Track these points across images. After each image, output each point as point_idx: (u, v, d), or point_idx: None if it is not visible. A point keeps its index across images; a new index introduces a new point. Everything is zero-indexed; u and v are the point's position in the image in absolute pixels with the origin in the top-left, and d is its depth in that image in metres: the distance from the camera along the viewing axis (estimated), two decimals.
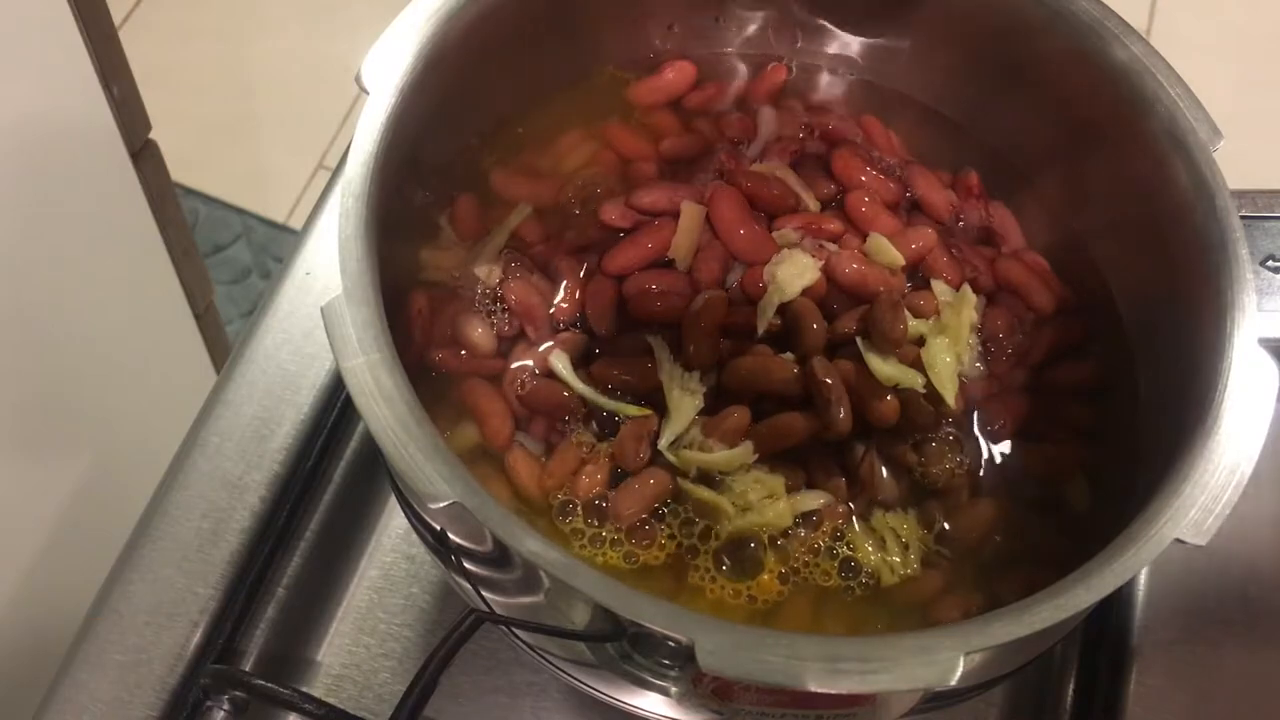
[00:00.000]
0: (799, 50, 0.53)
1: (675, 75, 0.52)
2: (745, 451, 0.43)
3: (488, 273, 0.46)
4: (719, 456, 0.42)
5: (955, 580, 0.42)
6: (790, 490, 0.43)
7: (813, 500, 0.43)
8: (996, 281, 0.48)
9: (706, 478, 0.43)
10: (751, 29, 0.53)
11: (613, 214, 0.48)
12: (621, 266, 0.46)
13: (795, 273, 0.45)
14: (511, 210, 0.48)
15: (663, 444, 0.43)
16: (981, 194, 0.50)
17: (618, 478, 0.43)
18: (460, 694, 0.50)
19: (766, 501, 0.42)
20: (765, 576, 0.42)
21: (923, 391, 0.43)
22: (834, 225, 0.47)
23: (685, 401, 0.43)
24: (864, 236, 0.47)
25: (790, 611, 0.42)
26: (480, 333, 0.45)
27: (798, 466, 0.43)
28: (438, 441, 0.35)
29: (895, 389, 0.43)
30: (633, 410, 0.43)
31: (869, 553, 0.42)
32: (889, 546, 0.42)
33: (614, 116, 0.51)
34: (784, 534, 0.42)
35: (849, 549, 0.42)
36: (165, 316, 0.91)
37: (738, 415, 0.43)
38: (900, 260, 0.46)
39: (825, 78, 0.53)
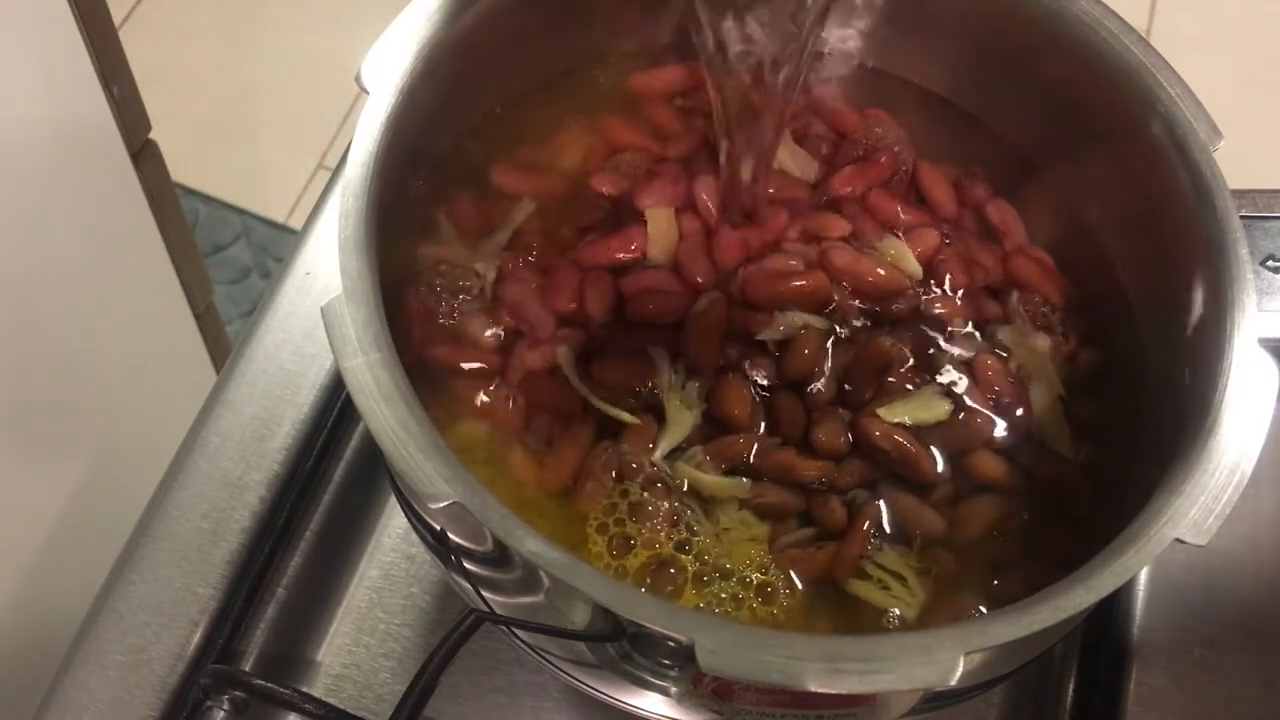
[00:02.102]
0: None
1: (678, 72, 0.52)
2: (740, 485, 0.43)
3: (487, 270, 0.46)
4: (715, 480, 0.42)
5: (957, 586, 0.43)
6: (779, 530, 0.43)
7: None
8: (1006, 279, 0.48)
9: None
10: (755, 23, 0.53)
11: (604, 184, 0.48)
12: (592, 261, 0.47)
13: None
14: (513, 205, 0.48)
15: (658, 455, 0.43)
16: (984, 190, 0.50)
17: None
18: (460, 694, 0.50)
19: (747, 544, 0.42)
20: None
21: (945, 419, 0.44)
22: (836, 228, 0.48)
23: (683, 415, 0.43)
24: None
25: None
26: (481, 330, 0.45)
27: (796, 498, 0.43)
28: (438, 441, 0.35)
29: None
30: (628, 418, 0.44)
31: (876, 595, 0.42)
32: (890, 584, 0.42)
33: (614, 110, 0.51)
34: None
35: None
36: (165, 316, 0.91)
37: (742, 442, 0.43)
38: (919, 272, 0.47)
39: (831, 64, 0.53)
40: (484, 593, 0.41)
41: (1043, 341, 0.47)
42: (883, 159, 0.50)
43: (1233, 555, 0.52)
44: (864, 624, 0.42)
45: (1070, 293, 0.48)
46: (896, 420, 0.44)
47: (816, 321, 0.45)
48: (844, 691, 0.33)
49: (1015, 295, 0.47)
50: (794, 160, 0.49)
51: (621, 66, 0.52)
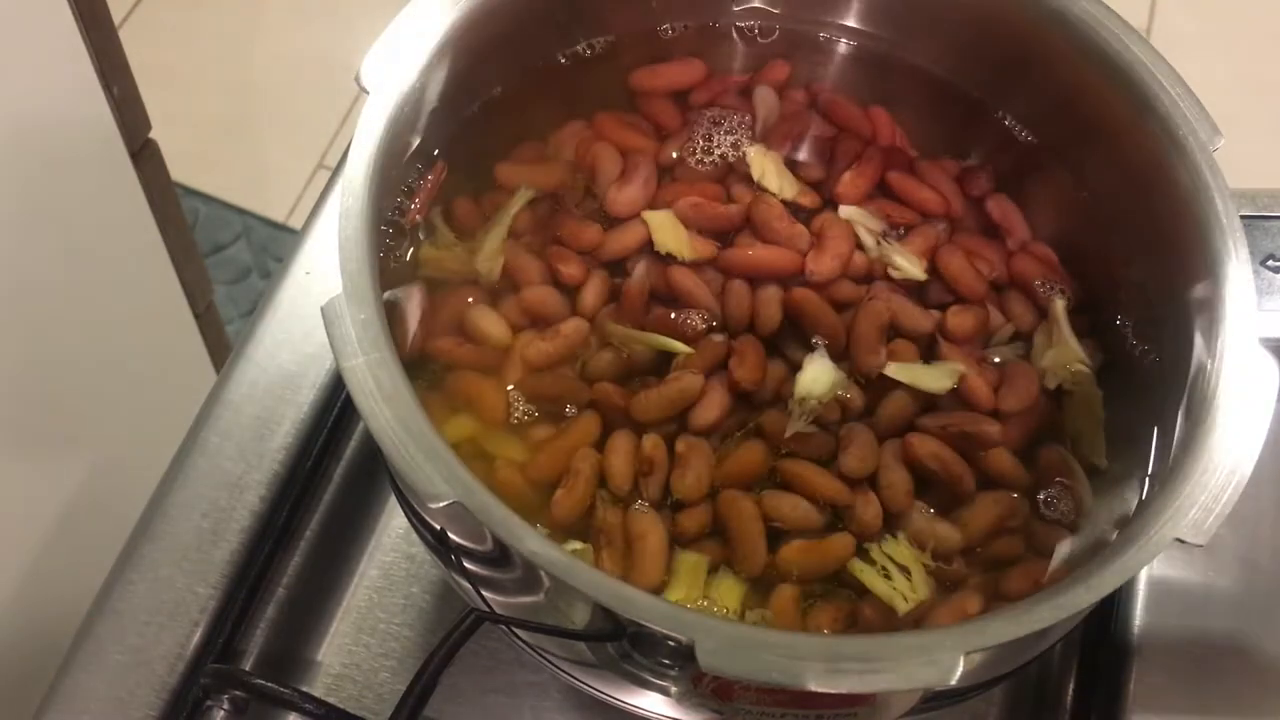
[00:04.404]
0: (808, 23, 0.53)
1: (681, 68, 0.52)
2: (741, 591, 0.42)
3: (490, 268, 0.46)
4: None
5: (964, 586, 0.42)
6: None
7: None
8: (1010, 278, 0.48)
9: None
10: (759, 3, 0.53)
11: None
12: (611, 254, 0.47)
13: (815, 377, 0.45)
14: (510, 198, 0.48)
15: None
16: (986, 186, 0.50)
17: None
18: (460, 694, 0.50)
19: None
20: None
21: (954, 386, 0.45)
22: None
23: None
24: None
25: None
26: (489, 324, 0.45)
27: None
28: (438, 441, 0.35)
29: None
30: (680, 347, 0.44)
31: (876, 581, 0.42)
32: (892, 575, 0.42)
33: (615, 106, 0.51)
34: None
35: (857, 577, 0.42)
36: (165, 316, 0.91)
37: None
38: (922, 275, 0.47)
39: (838, 48, 0.53)
40: (484, 592, 0.41)
41: (1083, 353, 0.46)
42: (875, 157, 0.50)
43: (1233, 555, 0.51)
44: (860, 615, 0.42)
45: (1075, 289, 0.48)
46: (903, 378, 0.44)
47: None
48: (844, 691, 0.33)
49: (1061, 304, 0.47)
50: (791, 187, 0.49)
51: (622, 62, 0.52)
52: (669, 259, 0.47)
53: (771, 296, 0.46)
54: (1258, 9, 1.53)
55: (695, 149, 0.50)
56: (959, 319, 0.47)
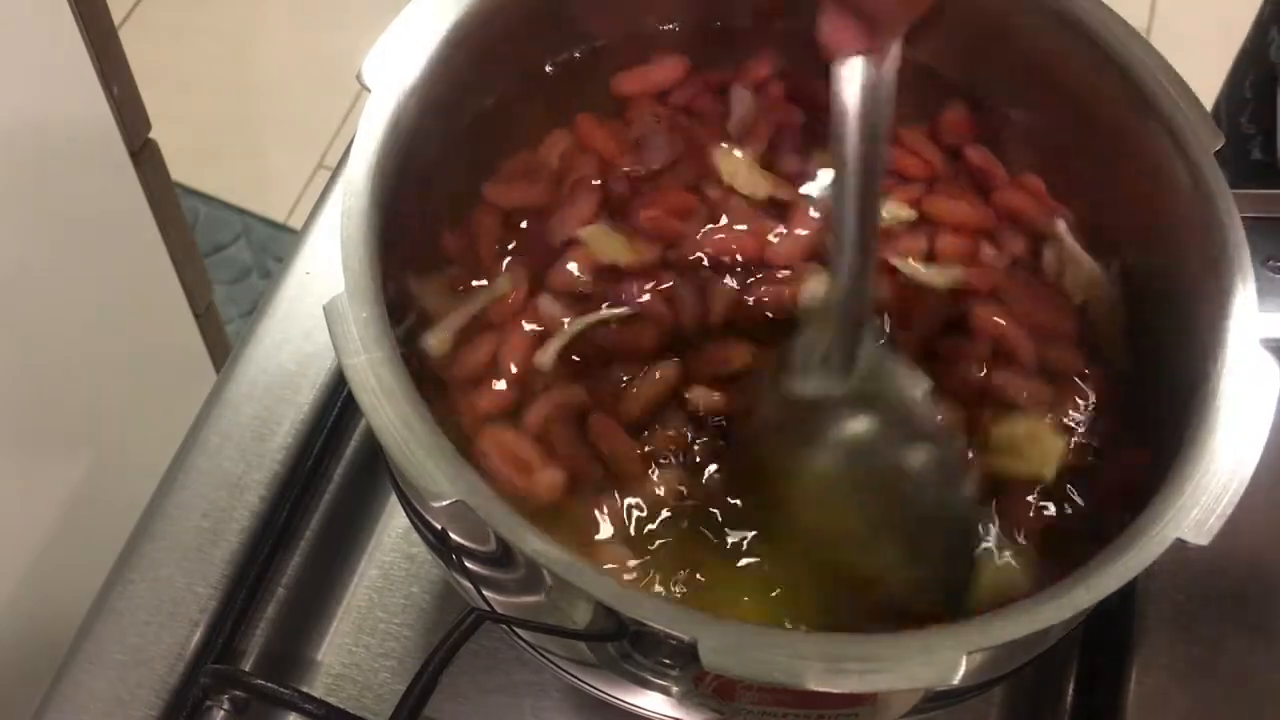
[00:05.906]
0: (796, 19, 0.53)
1: (662, 69, 0.51)
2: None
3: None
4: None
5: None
6: None
7: None
8: (998, 216, 0.48)
9: None
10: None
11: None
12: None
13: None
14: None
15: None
16: (959, 136, 0.50)
17: None
18: (460, 694, 0.50)
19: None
20: None
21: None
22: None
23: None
24: None
25: None
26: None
27: None
28: (440, 439, 0.35)
29: None
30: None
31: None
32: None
33: (606, 108, 0.50)
34: None
35: None
36: (165, 316, 0.91)
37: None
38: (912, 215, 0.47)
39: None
40: (485, 592, 0.41)
41: (1095, 264, 0.46)
42: None
43: (1233, 555, 0.52)
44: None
45: (1069, 216, 0.48)
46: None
47: None
48: (845, 691, 0.33)
49: (1062, 224, 0.47)
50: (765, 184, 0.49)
51: (616, 64, 0.52)
52: (614, 269, 0.46)
53: (726, 291, 0.46)
54: (1257, 9, 1.53)
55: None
56: (946, 240, 0.47)
